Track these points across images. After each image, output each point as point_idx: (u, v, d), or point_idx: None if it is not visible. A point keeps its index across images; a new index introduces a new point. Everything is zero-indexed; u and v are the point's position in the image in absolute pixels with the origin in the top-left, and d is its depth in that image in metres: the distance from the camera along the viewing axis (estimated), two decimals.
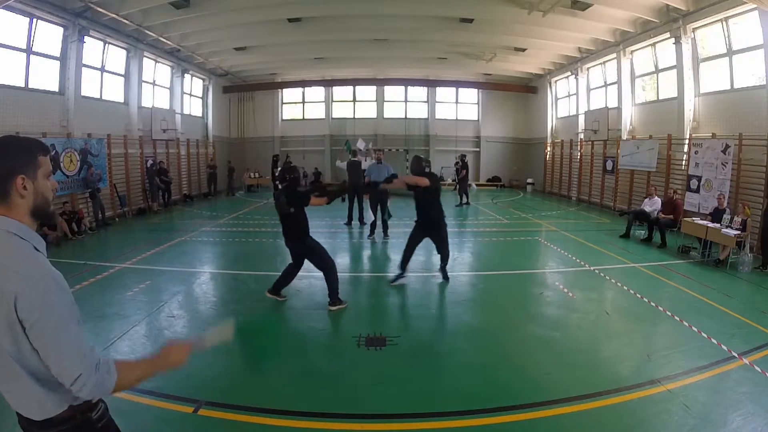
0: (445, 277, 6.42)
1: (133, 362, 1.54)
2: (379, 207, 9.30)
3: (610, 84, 14.90)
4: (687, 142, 10.84)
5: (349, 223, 10.77)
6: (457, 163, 16.03)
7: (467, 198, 14.69)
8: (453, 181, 20.20)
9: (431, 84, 20.96)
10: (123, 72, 13.17)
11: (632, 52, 13.48)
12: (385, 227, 9.28)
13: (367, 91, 21.54)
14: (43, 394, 1.34)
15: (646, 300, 5.73)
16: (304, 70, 19.67)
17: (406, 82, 20.99)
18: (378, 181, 8.94)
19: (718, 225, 7.74)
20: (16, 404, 1.37)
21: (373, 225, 9.37)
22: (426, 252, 8.83)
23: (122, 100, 13.19)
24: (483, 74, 19.73)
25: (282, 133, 21.53)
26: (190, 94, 17.71)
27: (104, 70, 12.35)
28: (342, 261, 8.25)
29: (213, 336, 1.72)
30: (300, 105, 21.93)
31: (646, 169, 12.31)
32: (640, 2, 10.88)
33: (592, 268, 7.05)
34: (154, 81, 14.94)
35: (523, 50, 15.67)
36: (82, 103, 11.01)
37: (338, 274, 5.33)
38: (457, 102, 21.81)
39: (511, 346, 4.60)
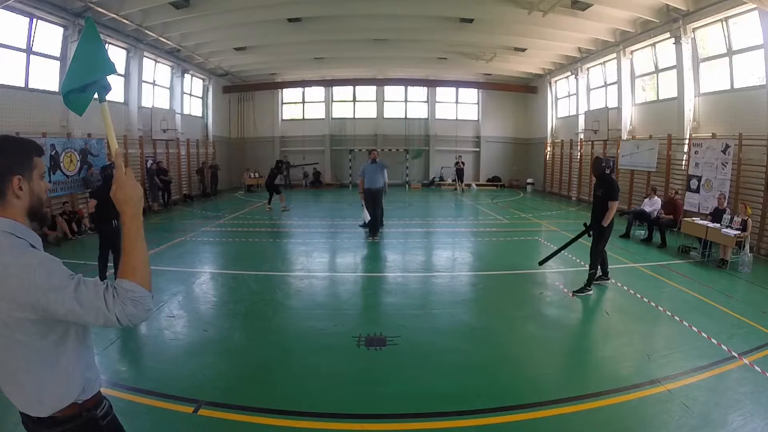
0: (583, 290, 5.96)
1: (125, 254, 1.37)
2: (374, 205, 9.18)
3: (610, 84, 14.89)
4: (687, 142, 10.84)
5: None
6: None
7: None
8: (453, 180, 20.29)
9: (431, 84, 20.96)
10: (123, 72, 13.18)
11: (632, 52, 13.48)
12: (376, 228, 9.15)
13: (367, 91, 21.54)
14: (48, 390, 1.34)
15: (646, 300, 5.73)
16: (304, 70, 19.67)
17: (406, 82, 21.00)
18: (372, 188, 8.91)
19: (718, 225, 7.74)
20: (21, 402, 1.37)
21: (374, 225, 9.33)
22: (426, 252, 8.88)
23: (122, 100, 13.19)
24: (483, 74, 19.73)
25: (282, 133, 21.54)
26: (190, 94, 17.71)
27: None
28: (343, 260, 8.29)
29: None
30: (300, 105, 21.93)
31: (646, 169, 12.31)
32: (640, 2, 10.88)
33: None
34: (154, 81, 14.93)
35: (523, 50, 15.68)
36: None
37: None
38: (457, 102, 21.81)
39: (511, 346, 4.59)
